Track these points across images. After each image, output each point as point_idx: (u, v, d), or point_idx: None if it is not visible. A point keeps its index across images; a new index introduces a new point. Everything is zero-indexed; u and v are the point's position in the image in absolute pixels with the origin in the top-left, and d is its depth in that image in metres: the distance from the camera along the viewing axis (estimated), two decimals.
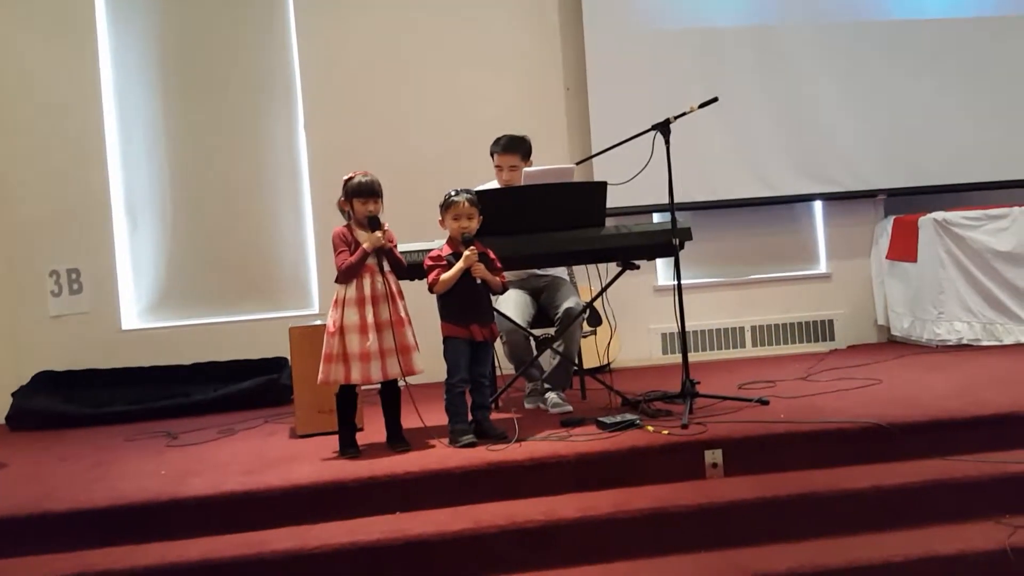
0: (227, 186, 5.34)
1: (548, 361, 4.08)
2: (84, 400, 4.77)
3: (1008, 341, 4.98)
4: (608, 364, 4.50)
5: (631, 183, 3.78)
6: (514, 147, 4.10)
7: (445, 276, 3.38)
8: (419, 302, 3.55)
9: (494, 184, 4.17)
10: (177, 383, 4.93)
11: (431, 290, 3.43)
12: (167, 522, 2.92)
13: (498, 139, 4.14)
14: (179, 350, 5.10)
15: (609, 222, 3.82)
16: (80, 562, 2.76)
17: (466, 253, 3.37)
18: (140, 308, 5.31)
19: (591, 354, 4.45)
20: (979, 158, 5.60)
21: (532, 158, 4.20)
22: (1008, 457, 3.09)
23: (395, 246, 3.45)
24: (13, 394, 4.80)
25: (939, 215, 5.10)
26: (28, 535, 2.89)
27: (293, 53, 5.38)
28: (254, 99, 5.38)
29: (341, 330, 3.31)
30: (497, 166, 4.14)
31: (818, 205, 5.73)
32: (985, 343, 5.01)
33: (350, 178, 3.39)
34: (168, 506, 2.95)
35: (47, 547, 2.87)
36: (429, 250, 3.51)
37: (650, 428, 3.34)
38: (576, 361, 4.06)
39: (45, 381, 4.92)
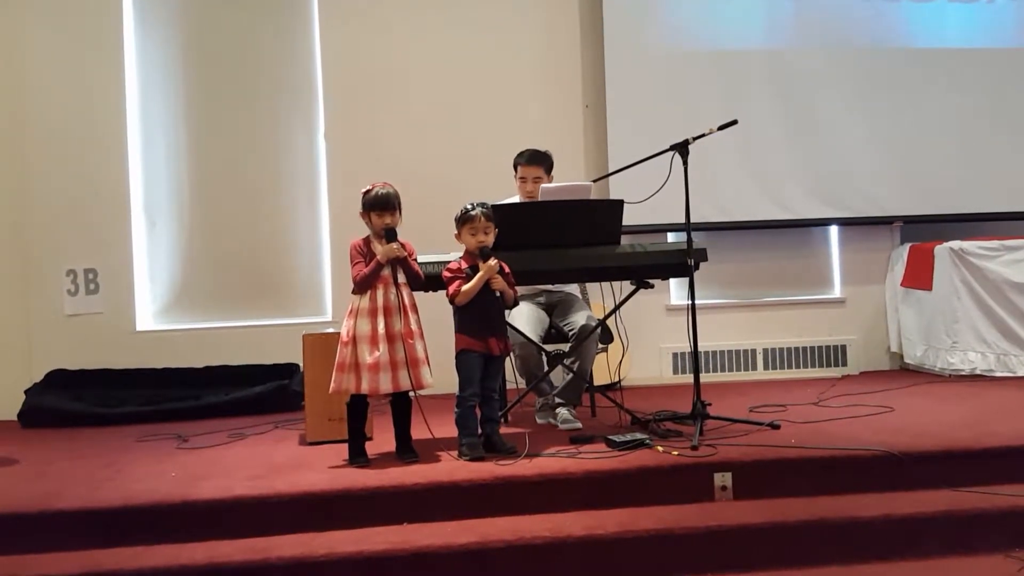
0: (245, 191, 5.39)
1: (560, 376, 4.09)
2: (96, 399, 4.80)
3: (1022, 373, 4.95)
4: (619, 382, 4.49)
5: (646, 202, 3.80)
6: (538, 160, 4.16)
7: (467, 287, 3.38)
8: (430, 314, 3.55)
9: (515, 199, 4.20)
10: (189, 385, 4.96)
11: (452, 301, 3.43)
12: (176, 525, 2.93)
13: (522, 152, 4.18)
14: (192, 353, 5.13)
15: (624, 240, 3.83)
16: (87, 562, 2.77)
17: (489, 263, 3.38)
18: (155, 310, 5.35)
19: (602, 371, 4.45)
20: (998, 188, 5.58)
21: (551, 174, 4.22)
22: (1018, 490, 3.07)
23: (414, 258, 3.46)
24: (26, 391, 4.84)
25: (955, 244, 5.08)
26: (36, 533, 2.91)
27: (316, 63, 5.43)
28: (275, 105, 5.42)
29: (353, 340, 3.33)
30: (521, 178, 4.17)
31: (834, 230, 5.71)
32: (999, 374, 4.97)
33: (368, 190, 3.40)
34: (177, 509, 2.97)
35: (55, 545, 2.88)
36: (445, 262, 3.51)
37: (660, 448, 3.33)
38: (587, 378, 4.06)
39: (58, 379, 4.96)
